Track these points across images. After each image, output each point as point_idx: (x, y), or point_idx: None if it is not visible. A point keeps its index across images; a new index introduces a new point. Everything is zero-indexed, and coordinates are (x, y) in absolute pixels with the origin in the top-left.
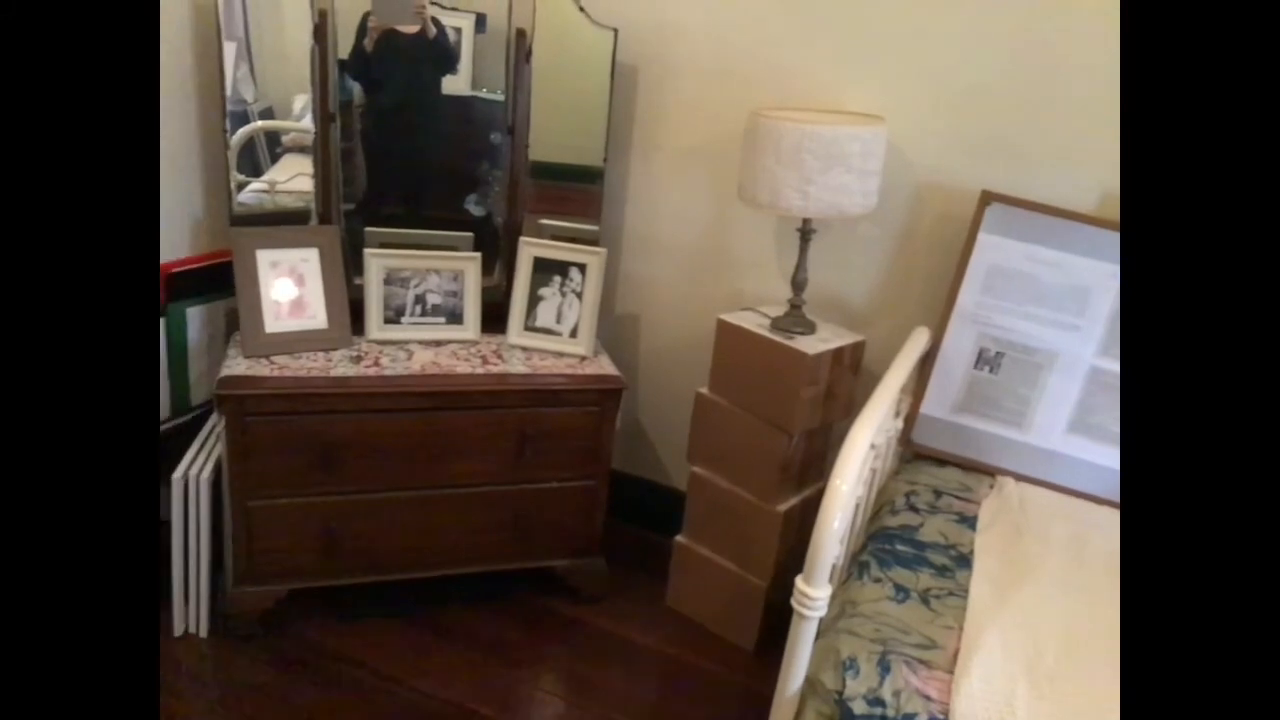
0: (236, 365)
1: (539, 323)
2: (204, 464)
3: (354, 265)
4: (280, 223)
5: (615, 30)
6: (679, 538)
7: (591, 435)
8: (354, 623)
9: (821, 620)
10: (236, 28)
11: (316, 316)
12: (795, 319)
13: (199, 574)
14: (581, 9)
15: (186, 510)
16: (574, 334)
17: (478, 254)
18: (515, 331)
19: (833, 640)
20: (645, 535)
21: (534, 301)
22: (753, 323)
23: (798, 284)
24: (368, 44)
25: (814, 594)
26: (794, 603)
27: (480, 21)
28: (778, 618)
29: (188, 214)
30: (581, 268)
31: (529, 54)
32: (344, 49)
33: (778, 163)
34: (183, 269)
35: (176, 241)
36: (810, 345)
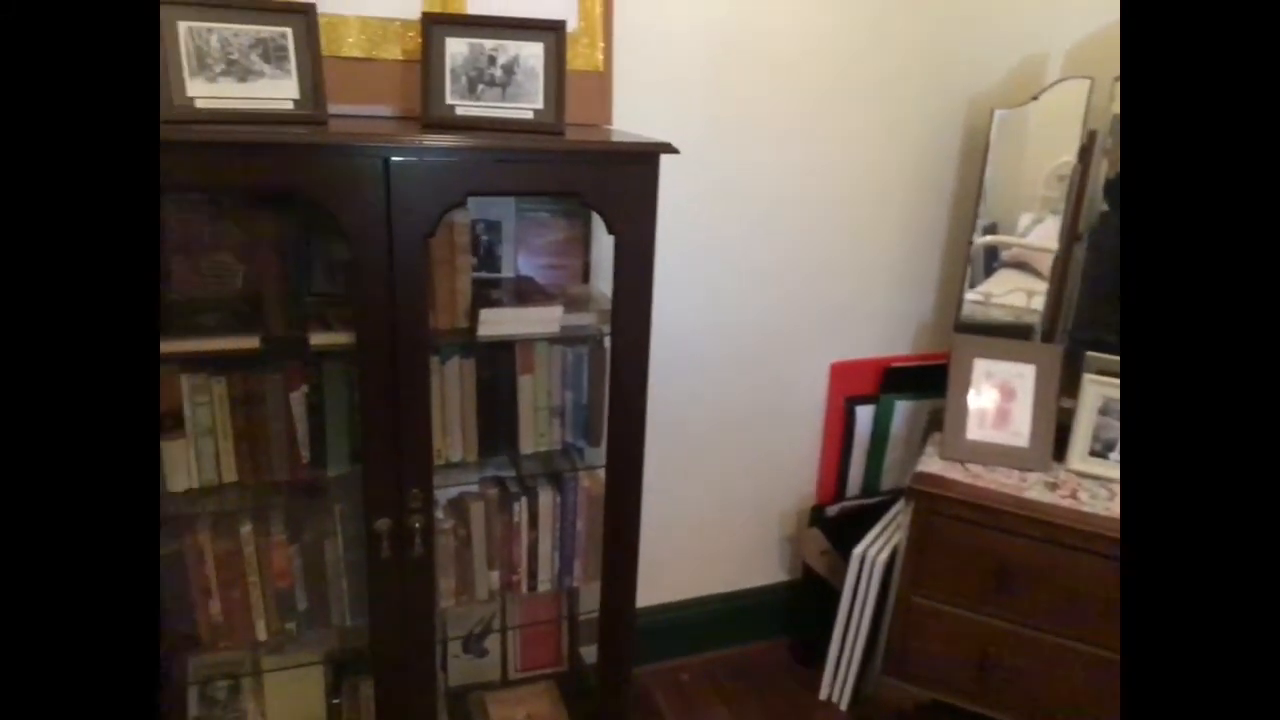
0: (932, 463)
1: None
2: (882, 547)
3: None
4: (991, 334)
5: None
6: None
7: None
8: None
9: None
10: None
11: (1019, 433)
12: None
13: (854, 649)
14: None
15: (858, 585)
16: None
17: None
18: None
19: None
20: None
21: None
22: None
23: None
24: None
25: None
26: None
27: None
28: None
29: (915, 314)
30: None
31: None
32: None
33: None
34: (900, 365)
35: (899, 338)
36: None
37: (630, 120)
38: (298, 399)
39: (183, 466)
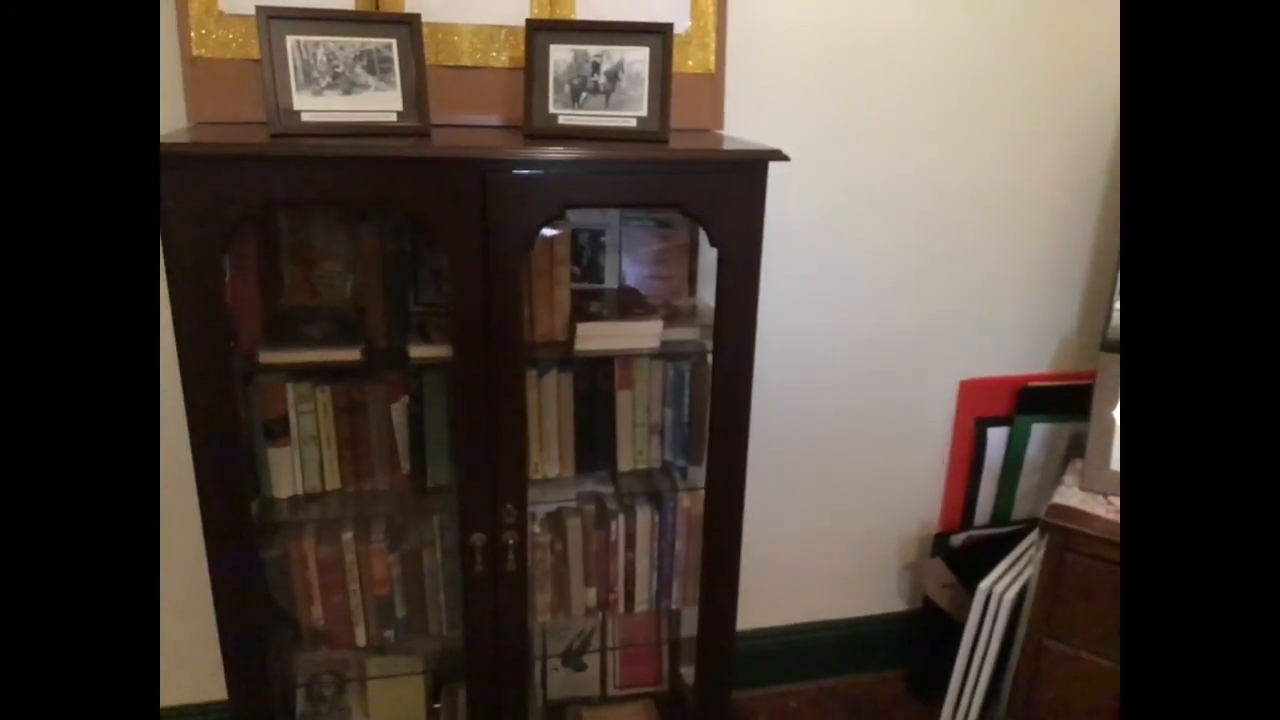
0: (1070, 494)
1: None
2: (1011, 583)
3: None
4: None
5: None
6: None
7: None
8: None
9: None
10: None
11: None
12: None
13: (976, 689)
14: None
15: (982, 622)
16: None
17: None
18: None
19: None
20: None
21: None
22: None
23: None
24: None
25: None
26: None
27: None
28: None
29: (1056, 329)
30: None
31: None
32: None
33: None
34: (1038, 384)
35: (1037, 355)
36: None
37: (743, 124)
38: (398, 409)
39: (288, 473)
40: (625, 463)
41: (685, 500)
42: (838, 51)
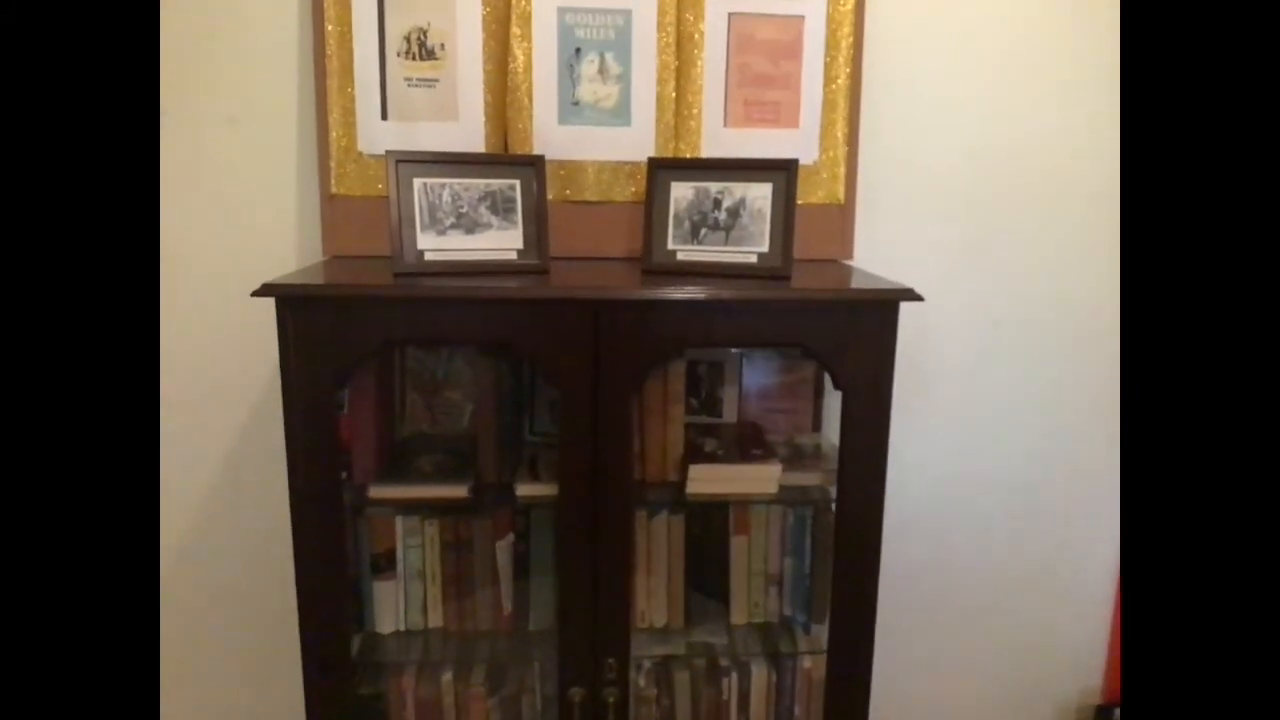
0: None
1: None
2: None
3: None
4: None
5: None
6: None
7: None
8: None
9: None
10: None
11: None
12: None
13: None
14: None
15: None
16: None
17: None
18: None
19: None
20: None
21: None
22: None
23: None
24: None
25: None
26: None
27: None
28: None
29: None
30: None
31: None
32: None
33: None
34: None
35: None
36: None
37: (874, 253)
38: (504, 547)
39: (391, 608)
40: (740, 615)
41: (806, 661)
42: (975, 179)
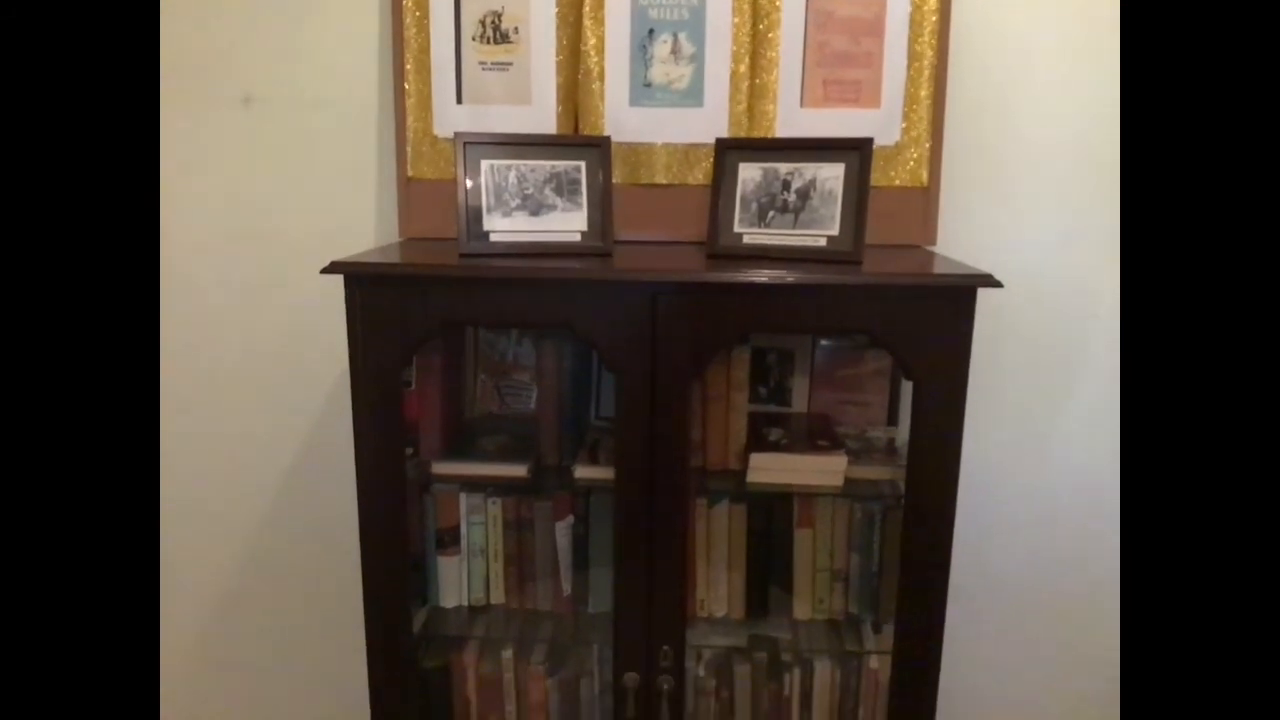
0: None
1: None
2: None
3: None
4: None
5: None
6: None
7: None
8: None
9: None
10: None
11: None
12: None
13: None
14: None
15: None
16: None
17: None
18: None
19: None
20: None
21: None
22: None
23: None
24: None
25: None
26: None
27: None
28: None
29: None
30: None
31: None
32: None
33: None
34: None
35: None
36: None
37: (960, 240)
38: (563, 529)
39: (455, 583)
40: (803, 610)
41: (873, 661)
42: (1072, 165)
